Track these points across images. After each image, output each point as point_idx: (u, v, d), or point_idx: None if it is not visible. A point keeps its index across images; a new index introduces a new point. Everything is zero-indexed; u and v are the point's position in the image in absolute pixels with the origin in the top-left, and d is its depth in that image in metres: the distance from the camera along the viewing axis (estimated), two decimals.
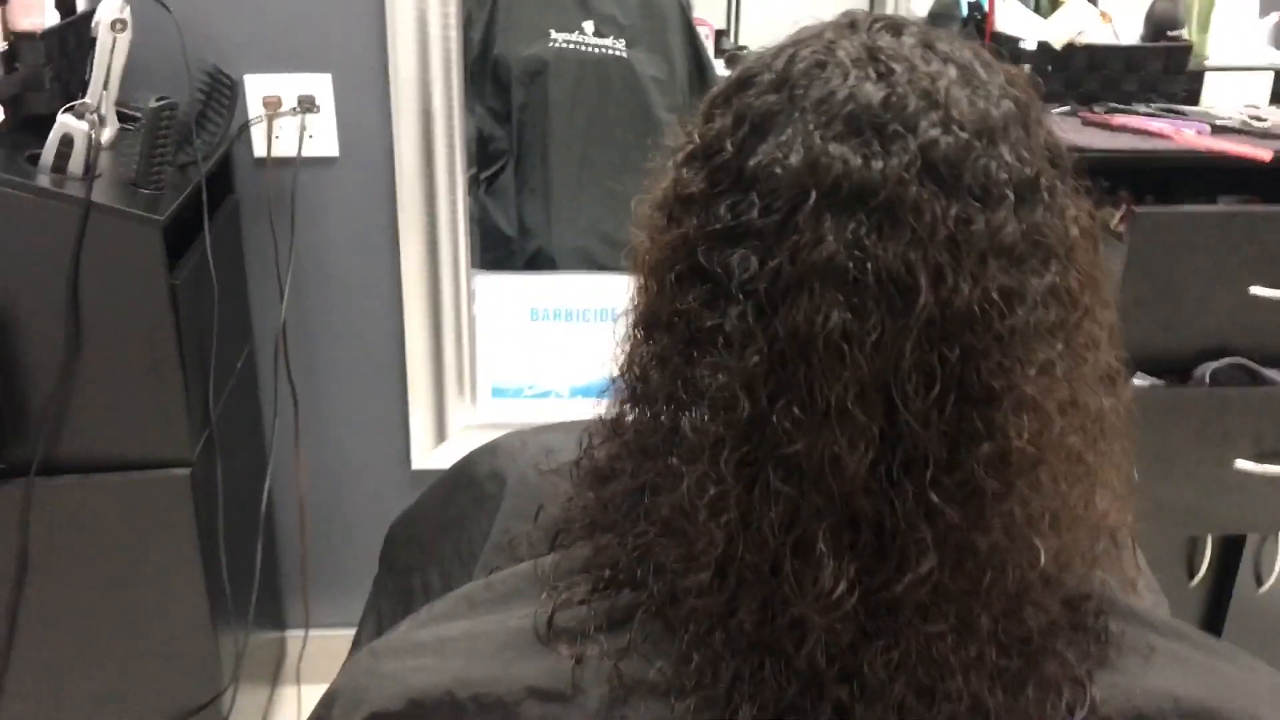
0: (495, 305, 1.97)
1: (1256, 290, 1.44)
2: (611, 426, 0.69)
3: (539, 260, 2.32)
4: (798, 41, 0.63)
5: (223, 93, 1.65)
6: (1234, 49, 1.74)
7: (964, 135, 0.58)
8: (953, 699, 0.61)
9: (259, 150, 1.79)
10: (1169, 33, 1.64)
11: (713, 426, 0.59)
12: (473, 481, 0.83)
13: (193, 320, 1.50)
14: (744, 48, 3.23)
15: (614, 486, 0.67)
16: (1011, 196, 0.58)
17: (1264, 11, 1.78)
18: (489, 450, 0.84)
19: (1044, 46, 1.63)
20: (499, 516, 0.78)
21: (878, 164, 0.57)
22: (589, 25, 2.34)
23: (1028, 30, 1.66)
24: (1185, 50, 1.65)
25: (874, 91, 0.58)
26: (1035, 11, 1.73)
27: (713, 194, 0.61)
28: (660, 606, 0.64)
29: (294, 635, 2.08)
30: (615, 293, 1.93)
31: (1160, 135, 1.55)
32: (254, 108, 1.76)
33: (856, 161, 0.57)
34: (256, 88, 1.75)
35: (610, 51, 2.34)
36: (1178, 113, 1.64)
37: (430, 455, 2.01)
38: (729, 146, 0.61)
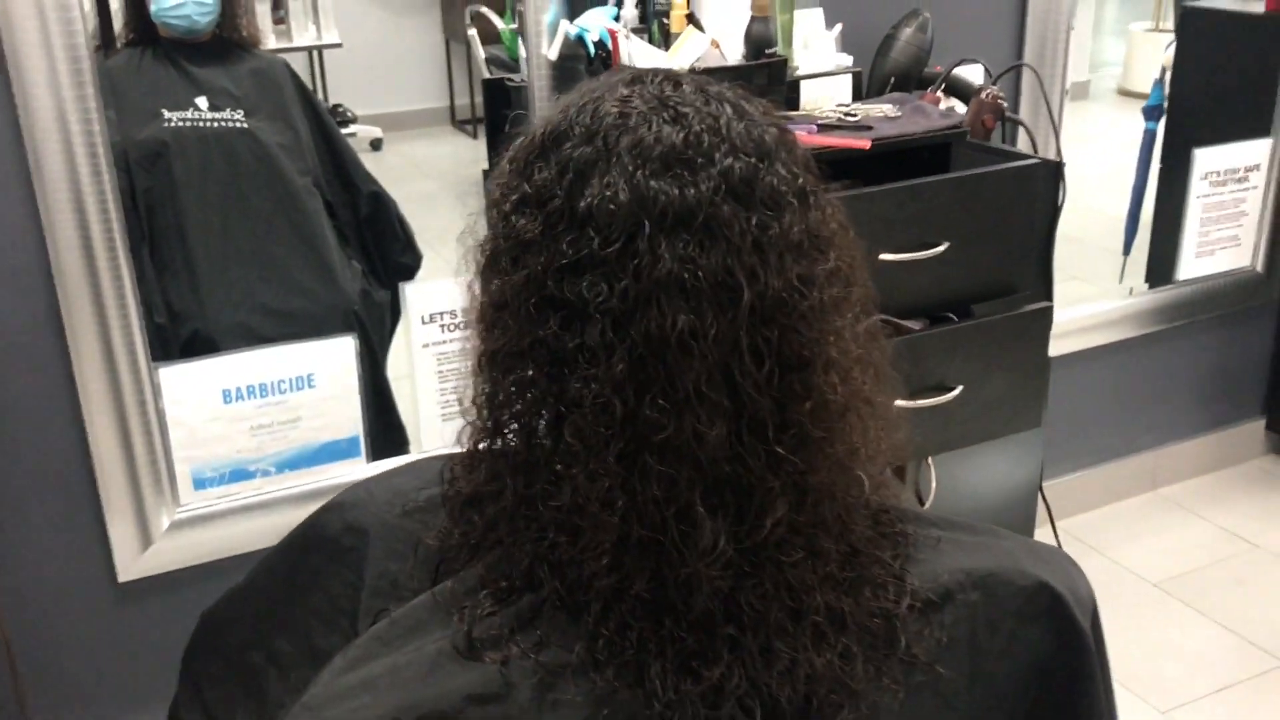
0: (184, 395, 1.92)
1: (885, 256, 1.72)
2: (474, 457, 0.77)
3: (197, 344, 2.25)
4: (594, 99, 0.74)
5: None
6: (815, 58, 2.04)
7: (751, 159, 0.72)
8: (815, 612, 0.74)
9: None
10: (766, 51, 1.90)
11: (593, 429, 0.69)
12: (324, 541, 0.87)
13: None
14: (340, 105, 3.30)
15: (493, 507, 0.76)
16: (795, 203, 0.72)
17: (829, 24, 2.09)
18: (335, 508, 0.88)
19: None
20: (369, 564, 0.83)
21: (691, 191, 0.69)
22: (202, 100, 2.32)
23: (652, 62, 1.86)
24: (782, 64, 1.92)
25: (674, 133, 0.71)
26: (652, 44, 1.94)
27: (551, 235, 0.71)
28: (563, 599, 0.73)
29: None
30: (300, 360, 1.95)
31: None
32: None
33: (675, 192, 0.69)
34: None
35: (230, 124, 2.33)
36: (787, 119, 1.90)
37: (137, 564, 1.91)
38: (559, 192, 0.71)
